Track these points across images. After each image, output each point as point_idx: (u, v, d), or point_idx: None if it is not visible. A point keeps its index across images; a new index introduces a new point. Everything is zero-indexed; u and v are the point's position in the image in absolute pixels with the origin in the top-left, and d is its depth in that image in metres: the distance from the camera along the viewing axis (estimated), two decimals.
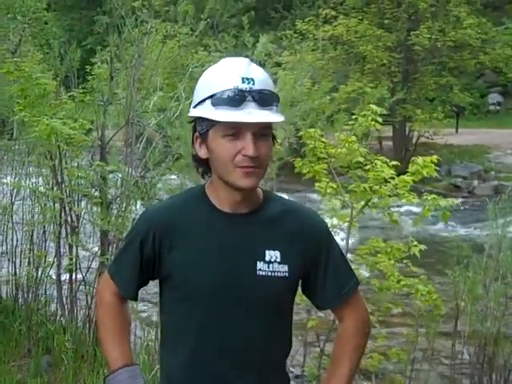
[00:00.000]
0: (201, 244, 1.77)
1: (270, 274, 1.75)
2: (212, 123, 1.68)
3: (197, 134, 1.75)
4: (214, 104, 1.66)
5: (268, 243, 1.78)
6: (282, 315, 1.84)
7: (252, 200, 1.79)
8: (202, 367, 1.78)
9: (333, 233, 4.21)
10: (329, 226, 4.40)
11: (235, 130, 1.66)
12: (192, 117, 1.77)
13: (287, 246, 1.78)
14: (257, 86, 1.67)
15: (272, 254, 1.77)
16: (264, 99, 1.67)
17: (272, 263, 1.76)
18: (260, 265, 1.75)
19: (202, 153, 1.76)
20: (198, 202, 1.81)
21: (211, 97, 1.67)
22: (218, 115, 1.65)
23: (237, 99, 1.65)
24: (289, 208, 1.85)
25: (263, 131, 1.70)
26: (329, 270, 1.82)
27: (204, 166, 1.79)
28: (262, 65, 5.50)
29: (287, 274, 1.77)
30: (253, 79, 1.67)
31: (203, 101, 1.70)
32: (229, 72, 1.69)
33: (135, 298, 1.92)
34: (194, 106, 1.74)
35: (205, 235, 1.78)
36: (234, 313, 1.75)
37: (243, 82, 1.66)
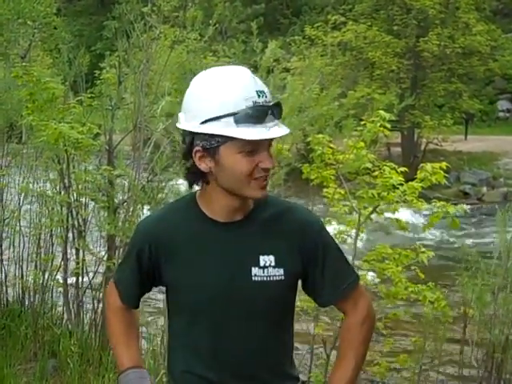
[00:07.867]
0: (193, 255, 1.77)
1: (265, 278, 1.75)
2: (225, 139, 1.63)
3: (198, 148, 1.67)
4: (237, 121, 1.60)
5: (261, 248, 1.76)
6: (282, 318, 1.83)
7: (246, 205, 1.77)
8: (201, 376, 1.78)
9: (340, 238, 4.22)
10: (336, 232, 4.38)
11: (255, 146, 1.64)
12: (185, 130, 1.71)
13: (282, 249, 1.77)
14: (269, 99, 1.65)
15: (266, 259, 1.76)
16: (279, 112, 1.66)
17: (267, 268, 1.75)
18: (255, 270, 1.75)
19: (204, 166, 1.69)
20: (189, 211, 1.80)
21: (233, 114, 1.61)
22: (243, 133, 1.60)
23: (260, 116, 1.62)
24: (281, 209, 1.82)
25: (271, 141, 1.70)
26: (327, 267, 1.80)
27: (201, 177, 1.74)
28: (270, 70, 5.51)
29: (283, 277, 1.76)
30: (264, 92, 1.65)
31: (220, 117, 1.62)
32: (241, 86, 1.63)
33: (136, 307, 1.96)
34: (203, 122, 1.64)
35: (196, 246, 1.77)
36: (232, 321, 1.75)
37: (259, 96, 1.63)
